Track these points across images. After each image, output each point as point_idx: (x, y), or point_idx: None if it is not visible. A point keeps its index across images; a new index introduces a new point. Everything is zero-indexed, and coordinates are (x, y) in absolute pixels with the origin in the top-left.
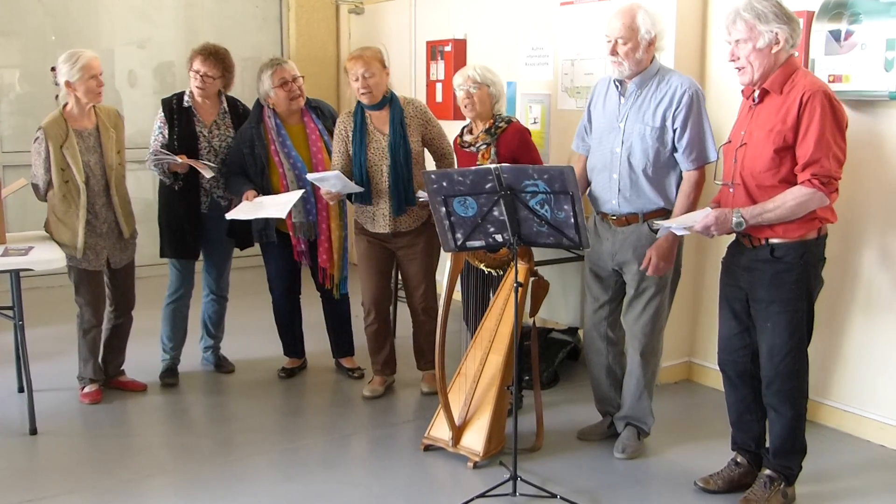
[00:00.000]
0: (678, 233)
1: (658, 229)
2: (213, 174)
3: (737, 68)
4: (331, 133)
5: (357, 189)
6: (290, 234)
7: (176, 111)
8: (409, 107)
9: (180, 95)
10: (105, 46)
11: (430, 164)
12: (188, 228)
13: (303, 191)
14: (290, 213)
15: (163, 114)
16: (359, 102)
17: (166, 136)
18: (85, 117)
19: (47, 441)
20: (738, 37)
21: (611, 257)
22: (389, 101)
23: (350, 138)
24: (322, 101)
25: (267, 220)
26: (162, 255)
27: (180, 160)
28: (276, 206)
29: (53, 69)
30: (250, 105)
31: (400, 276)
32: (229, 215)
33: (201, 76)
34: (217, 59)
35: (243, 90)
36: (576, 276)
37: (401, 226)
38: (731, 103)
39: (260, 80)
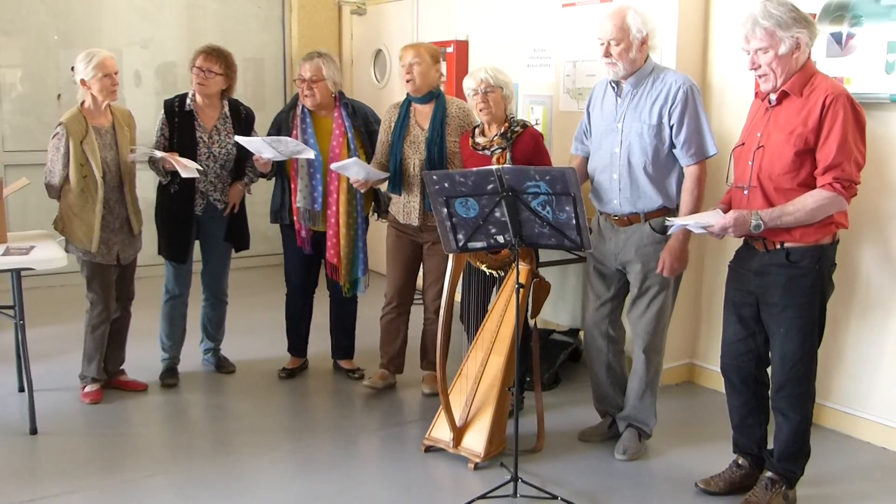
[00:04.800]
0: (695, 231)
1: (669, 226)
2: (194, 175)
3: (759, 75)
4: (358, 131)
5: (381, 175)
6: (294, 217)
7: (177, 114)
8: (452, 106)
9: (182, 97)
10: (108, 46)
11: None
12: (180, 231)
13: (312, 152)
14: (295, 198)
15: (164, 115)
16: (407, 96)
17: (167, 136)
18: (101, 115)
19: (48, 441)
20: (758, 45)
21: (614, 256)
22: (436, 97)
23: (391, 129)
24: (361, 102)
25: (282, 200)
26: (159, 253)
27: (168, 157)
28: (283, 152)
29: (73, 68)
30: (254, 107)
31: (421, 273)
32: (238, 138)
33: (204, 71)
34: (219, 55)
35: (245, 91)
36: (577, 278)
37: (430, 220)
38: (733, 104)
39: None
